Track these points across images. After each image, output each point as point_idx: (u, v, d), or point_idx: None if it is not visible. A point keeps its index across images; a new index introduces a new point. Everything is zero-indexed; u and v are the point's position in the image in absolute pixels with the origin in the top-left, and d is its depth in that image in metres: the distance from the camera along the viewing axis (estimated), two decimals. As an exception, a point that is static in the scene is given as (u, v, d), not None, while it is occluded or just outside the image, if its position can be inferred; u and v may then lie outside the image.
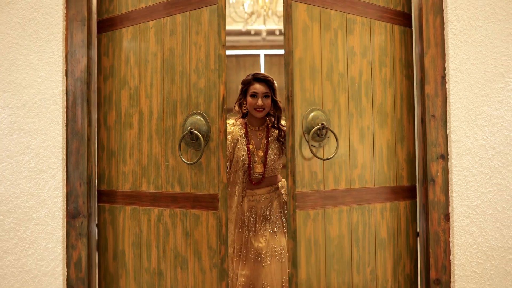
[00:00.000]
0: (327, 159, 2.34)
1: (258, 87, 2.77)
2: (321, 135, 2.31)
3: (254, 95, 2.77)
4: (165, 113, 2.45)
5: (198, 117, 2.32)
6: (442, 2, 2.42)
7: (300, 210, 2.27)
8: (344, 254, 2.41)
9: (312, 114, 2.32)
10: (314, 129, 2.28)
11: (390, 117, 2.59)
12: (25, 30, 2.41)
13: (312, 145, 2.29)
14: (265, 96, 2.77)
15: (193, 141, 2.30)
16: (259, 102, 2.75)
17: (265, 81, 2.79)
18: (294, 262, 2.24)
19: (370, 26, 2.53)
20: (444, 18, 2.42)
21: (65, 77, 2.44)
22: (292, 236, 2.25)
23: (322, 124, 2.30)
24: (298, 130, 2.28)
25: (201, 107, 2.32)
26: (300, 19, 2.31)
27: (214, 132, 2.27)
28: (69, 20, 2.45)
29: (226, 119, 2.26)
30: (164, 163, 2.44)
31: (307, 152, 2.31)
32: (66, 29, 2.45)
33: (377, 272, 2.51)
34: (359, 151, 2.47)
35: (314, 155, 2.29)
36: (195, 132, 2.27)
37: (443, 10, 2.42)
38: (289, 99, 2.25)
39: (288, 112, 2.25)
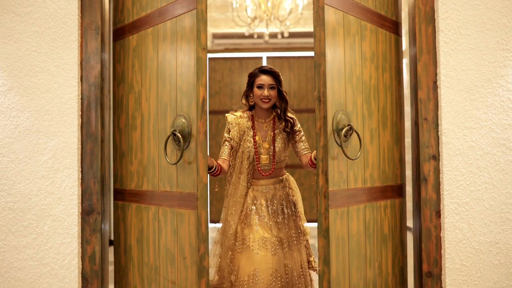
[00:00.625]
0: (355, 158, 2.40)
1: (264, 79, 2.81)
2: (347, 135, 2.37)
3: (260, 87, 2.81)
4: (159, 115, 2.54)
5: (182, 119, 2.38)
6: (434, 12, 2.54)
7: (331, 208, 2.31)
8: (361, 250, 2.50)
9: (339, 115, 2.38)
10: (344, 130, 2.34)
11: (389, 119, 2.70)
12: (43, 38, 2.54)
13: (340, 146, 2.36)
14: (271, 87, 2.82)
15: (177, 142, 2.37)
16: (265, 92, 2.79)
17: (271, 73, 2.84)
18: (325, 260, 2.26)
19: (376, 33, 2.63)
20: (436, 27, 2.54)
21: (80, 83, 2.56)
22: (324, 234, 2.26)
23: (349, 125, 2.36)
24: (330, 130, 2.33)
25: (184, 109, 2.39)
26: (330, 22, 2.37)
27: (194, 133, 2.32)
28: (84, 29, 2.58)
29: (206, 120, 2.28)
30: (158, 163, 2.54)
31: (335, 152, 2.36)
32: (81, 37, 2.58)
33: (382, 267, 2.62)
34: (370, 151, 2.57)
35: (345, 155, 2.35)
36: (177, 133, 2.34)
37: (435, 20, 2.54)
38: (321, 99, 2.28)
39: (320, 112, 2.28)
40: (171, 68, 2.48)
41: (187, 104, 2.38)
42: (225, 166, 2.79)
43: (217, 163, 2.69)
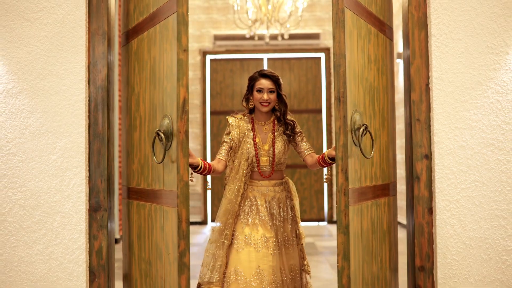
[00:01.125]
0: (370, 157, 2.47)
1: (263, 83, 2.86)
2: (362, 135, 2.43)
3: (260, 90, 2.85)
4: (151, 116, 2.61)
5: (167, 119, 2.44)
6: (426, 17, 2.65)
7: (350, 205, 2.35)
8: (369, 246, 2.58)
9: (355, 115, 2.44)
10: (361, 129, 2.41)
11: (386, 120, 2.80)
12: (52, 42, 2.64)
13: (358, 145, 2.42)
14: (271, 91, 2.86)
15: (161, 141, 2.44)
16: (265, 96, 2.84)
17: (270, 77, 2.88)
18: (345, 256, 2.30)
19: (378, 37, 2.71)
20: (428, 32, 2.64)
21: (87, 85, 2.67)
22: (344, 230, 2.30)
23: (364, 124, 2.43)
24: (348, 130, 2.38)
25: (168, 109, 2.45)
26: (348, 25, 2.42)
27: (175, 133, 2.38)
28: (91, 34, 2.68)
29: (187, 120, 2.33)
30: (151, 162, 2.61)
31: (352, 151, 2.42)
32: (89, 42, 2.68)
33: (382, 261, 2.71)
34: (375, 150, 2.64)
35: (363, 153, 2.41)
36: (160, 133, 2.41)
37: (427, 25, 2.65)
38: (340, 99, 2.32)
39: (339, 112, 2.32)
40: (160, 70, 2.55)
41: (170, 104, 2.43)
42: (220, 165, 2.84)
43: (203, 161, 2.73)
